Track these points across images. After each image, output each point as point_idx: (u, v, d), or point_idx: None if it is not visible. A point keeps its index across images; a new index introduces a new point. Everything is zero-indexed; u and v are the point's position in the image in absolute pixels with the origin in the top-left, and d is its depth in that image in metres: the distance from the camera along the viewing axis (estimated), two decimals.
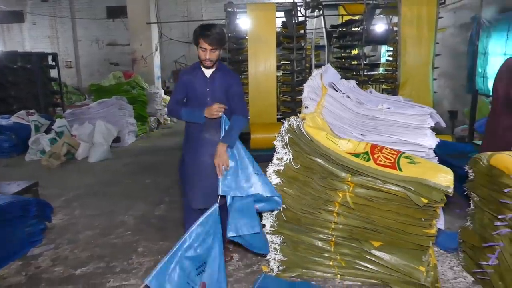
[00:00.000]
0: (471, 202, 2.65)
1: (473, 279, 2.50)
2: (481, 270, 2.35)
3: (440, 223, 2.92)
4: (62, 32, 14.03)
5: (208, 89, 2.61)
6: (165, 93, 10.11)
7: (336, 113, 2.82)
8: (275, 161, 2.54)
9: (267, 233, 2.58)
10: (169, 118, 9.52)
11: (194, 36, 2.53)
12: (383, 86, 6.88)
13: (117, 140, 6.78)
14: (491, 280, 2.23)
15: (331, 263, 2.52)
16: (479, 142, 4.89)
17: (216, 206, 2.30)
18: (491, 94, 4.51)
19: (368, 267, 2.44)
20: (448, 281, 2.50)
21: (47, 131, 6.53)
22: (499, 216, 2.19)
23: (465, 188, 2.65)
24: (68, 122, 6.54)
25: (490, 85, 5.33)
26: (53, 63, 8.78)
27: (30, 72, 8.00)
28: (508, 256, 2.06)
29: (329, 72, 3.29)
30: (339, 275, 2.52)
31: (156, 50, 9.80)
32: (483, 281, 2.40)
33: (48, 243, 3.16)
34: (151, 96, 8.67)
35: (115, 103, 7.00)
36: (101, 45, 14.13)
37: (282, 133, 2.55)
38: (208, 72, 2.62)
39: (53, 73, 8.83)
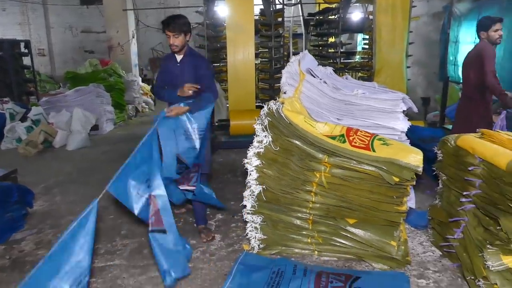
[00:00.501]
0: (439, 181, 2.81)
1: (441, 253, 2.68)
2: (448, 243, 2.52)
3: (411, 202, 3.10)
4: (34, 18, 13.59)
5: (178, 73, 2.94)
6: (142, 81, 10.01)
7: (314, 98, 2.93)
8: (255, 143, 2.63)
9: (248, 213, 2.68)
10: (147, 106, 9.46)
11: (162, 26, 2.85)
12: (359, 74, 7.06)
13: (95, 128, 6.73)
14: (457, 252, 2.40)
15: (309, 240, 2.65)
16: (450, 127, 5.11)
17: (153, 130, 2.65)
18: (461, 81, 4.71)
19: (344, 243, 2.58)
20: (417, 255, 2.67)
21: (23, 119, 6.41)
22: (464, 193, 2.36)
23: (434, 168, 2.80)
24: (44, 110, 6.45)
25: (461, 72, 5.56)
26: (26, 51, 8.54)
27: (2, 60, 7.76)
28: (472, 229, 2.23)
29: (307, 59, 3.39)
30: (316, 251, 2.65)
31: (133, 37, 9.67)
32: (449, 254, 2.58)
33: (30, 228, 3.18)
34: (129, 84, 8.59)
35: (92, 91, 6.93)
36: (75, 32, 13.79)
37: (262, 117, 2.64)
38: (179, 58, 2.95)
39: (26, 61, 8.61)
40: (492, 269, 1.90)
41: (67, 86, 8.42)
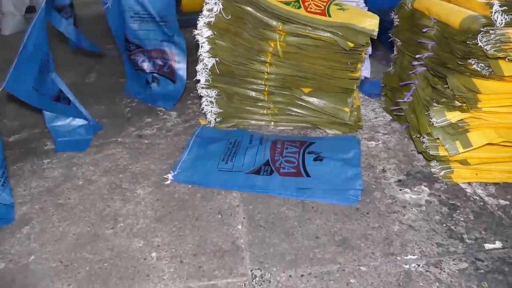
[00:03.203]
0: (394, 49, 2.80)
1: (391, 118, 2.79)
2: (398, 107, 2.61)
3: (367, 72, 3.11)
4: None
5: None
6: None
7: None
8: (204, 12, 2.44)
9: (202, 87, 2.62)
10: None
11: None
12: None
13: (31, 9, 6.06)
14: (405, 114, 2.50)
15: (265, 111, 2.67)
16: None
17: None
18: None
19: (299, 112, 2.62)
20: (369, 120, 2.77)
21: None
22: (417, 56, 2.36)
23: (390, 34, 2.76)
24: None
25: None
26: None
27: None
28: (421, 91, 2.28)
29: None
30: (272, 122, 2.69)
31: None
32: (398, 117, 2.69)
33: None
34: None
35: None
36: None
37: None
38: None
39: None
40: (436, 125, 2.00)
41: None
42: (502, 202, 1.93)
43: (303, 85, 2.55)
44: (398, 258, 1.64)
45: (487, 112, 1.90)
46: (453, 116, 1.96)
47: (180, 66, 3.01)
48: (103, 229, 1.86)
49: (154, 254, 1.71)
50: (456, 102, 1.95)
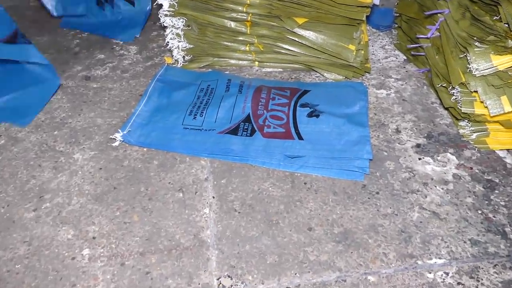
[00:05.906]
0: None
1: (405, 58, 2.23)
2: (416, 45, 2.05)
3: None
4: None
5: None
6: None
7: None
8: None
9: (165, 15, 2.01)
10: None
11: None
12: None
13: None
14: (427, 55, 1.95)
15: (247, 48, 2.08)
16: None
17: None
18: None
19: (291, 50, 2.04)
20: (378, 61, 2.21)
21: None
22: None
23: None
24: None
25: None
26: None
27: None
28: (453, 24, 1.71)
29: None
30: (257, 62, 2.12)
31: None
32: (415, 57, 2.13)
33: None
34: None
35: None
36: None
37: None
38: None
39: None
40: (476, 73, 1.47)
41: None
42: None
43: (297, 13, 1.94)
44: (419, 262, 1.20)
45: None
46: (503, 62, 1.42)
47: None
48: (22, 211, 1.38)
49: (86, 252, 1.25)
50: (510, 41, 1.40)
